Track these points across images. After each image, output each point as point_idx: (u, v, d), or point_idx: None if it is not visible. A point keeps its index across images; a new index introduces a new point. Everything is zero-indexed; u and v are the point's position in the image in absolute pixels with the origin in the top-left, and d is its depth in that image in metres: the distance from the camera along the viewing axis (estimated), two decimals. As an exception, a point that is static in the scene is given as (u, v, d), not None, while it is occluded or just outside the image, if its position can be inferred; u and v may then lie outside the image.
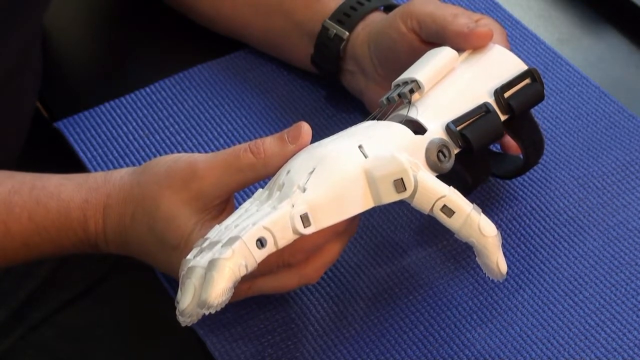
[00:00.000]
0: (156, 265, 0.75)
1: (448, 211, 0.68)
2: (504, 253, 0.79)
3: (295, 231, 0.66)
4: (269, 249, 0.66)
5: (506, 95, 0.74)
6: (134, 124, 0.90)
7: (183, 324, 0.66)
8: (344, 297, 0.77)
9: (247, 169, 0.70)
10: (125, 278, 0.85)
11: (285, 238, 0.66)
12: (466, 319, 0.76)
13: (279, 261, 0.69)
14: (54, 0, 0.88)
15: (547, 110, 0.89)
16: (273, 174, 0.70)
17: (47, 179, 0.74)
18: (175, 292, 0.77)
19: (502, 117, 0.74)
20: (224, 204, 0.71)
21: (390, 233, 0.81)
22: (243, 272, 0.65)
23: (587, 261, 0.79)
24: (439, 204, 0.68)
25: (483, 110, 0.73)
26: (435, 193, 0.68)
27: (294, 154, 0.70)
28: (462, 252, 0.80)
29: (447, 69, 0.75)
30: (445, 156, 0.70)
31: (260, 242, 0.65)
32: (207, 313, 0.65)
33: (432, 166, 0.70)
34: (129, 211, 0.72)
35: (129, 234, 0.72)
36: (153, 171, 0.72)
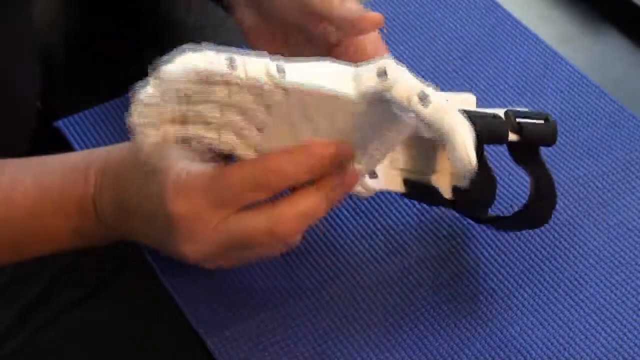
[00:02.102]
0: (140, 211, 0.72)
1: (425, 101, 0.65)
2: (503, 253, 0.79)
3: (268, 74, 0.64)
4: (237, 74, 0.64)
5: (517, 119, 0.73)
6: (134, 123, 0.90)
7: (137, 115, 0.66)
8: (344, 297, 0.77)
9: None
10: (128, 281, 0.85)
11: (255, 73, 0.64)
12: (466, 319, 0.76)
13: (250, 179, 0.67)
14: (54, 0, 0.88)
15: (547, 110, 0.89)
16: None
17: (51, 156, 0.75)
18: (177, 292, 0.78)
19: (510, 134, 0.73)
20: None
21: (392, 233, 0.81)
22: (206, 65, 0.64)
23: (587, 261, 0.79)
24: (417, 94, 0.65)
25: (490, 115, 0.72)
26: (415, 84, 0.65)
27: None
28: (463, 253, 0.80)
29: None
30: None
31: (231, 62, 0.64)
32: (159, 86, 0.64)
33: None
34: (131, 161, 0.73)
35: (122, 173, 0.72)
36: None
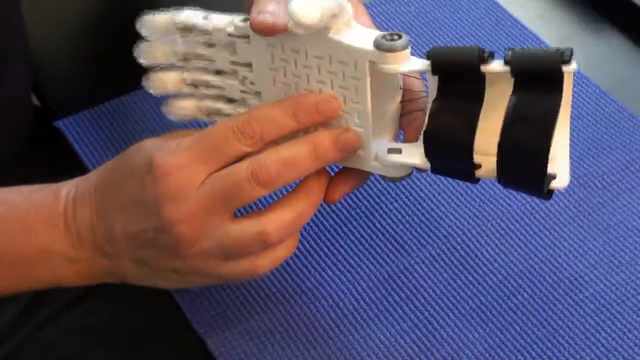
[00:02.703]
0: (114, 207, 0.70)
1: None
2: (503, 253, 0.79)
3: (232, 22, 0.70)
4: (206, 24, 0.71)
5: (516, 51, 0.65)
6: (134, 124, 0.90)
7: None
8: (345, 297, 0.77)
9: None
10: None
11: (221, 22, 0.71)
12: (466, 319, 0.76)
13: (234, 128, 0.67)
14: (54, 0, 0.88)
15: (547, 110, 0.89)
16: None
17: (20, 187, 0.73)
18: (177, 292, 0.78)
19: (497, 66, 0.65)
20: None
21: (392, 233, 0.81)
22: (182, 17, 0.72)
23: (587, 261, 0.79)
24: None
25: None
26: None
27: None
28: (463, 253, 0.80)
29: None
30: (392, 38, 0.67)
31: (205, 16, 0.72)
32: None
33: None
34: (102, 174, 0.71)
35: (99, 177, 0.71)
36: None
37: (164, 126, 0.90)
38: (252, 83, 0.72)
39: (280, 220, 0.68)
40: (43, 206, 0.70)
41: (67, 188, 0.71)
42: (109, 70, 0.96)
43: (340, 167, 0.72)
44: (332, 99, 0.69)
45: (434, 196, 0.83)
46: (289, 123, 0.68)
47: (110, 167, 0.71)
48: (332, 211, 0.82)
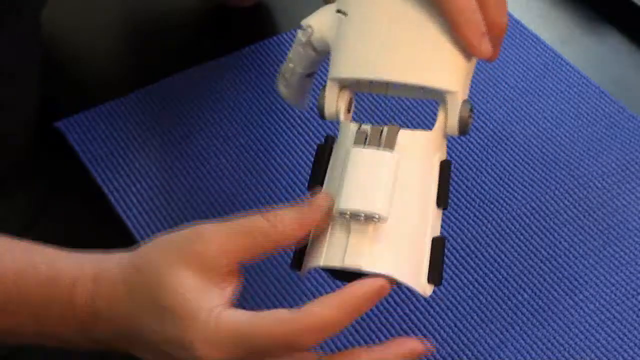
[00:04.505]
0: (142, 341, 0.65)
1: None
2: (503, 253, 0.79)
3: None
4: None
5: None
6: (134, 124, 0.90)
7: None
8: (344, 297, 0.77)
9: (257, 233, 0.62)
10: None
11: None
12: (466, 319, 0.76)
13: (284, 337, 0.61)
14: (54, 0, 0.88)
15: (547, 110, 0.90)
16: (288, 244, 0.63)
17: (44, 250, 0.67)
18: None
19: None
20: (231, 276, 0.64)
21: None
22: None
23: (587, 261, 0.79)
24: None
25: None
26: None
27: (313, 220, 0.63)
28: (463, 253, 0.80)
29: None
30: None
31: None
32: None
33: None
34: (125, 280, 0.64)
35: (122, 302, 0.64)
36: (155, 245, 0.65)
37: (163, 127, 0.90)
38: None
39: None
40: (57, 304, 0.65)
41: (82, 289, 0.65)
42: (109, 71, 0.96)
43: None
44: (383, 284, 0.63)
45: (434, 196, 0.83)
46: (339, 319, 0.63)
47: (134, 307, 0.63)
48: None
